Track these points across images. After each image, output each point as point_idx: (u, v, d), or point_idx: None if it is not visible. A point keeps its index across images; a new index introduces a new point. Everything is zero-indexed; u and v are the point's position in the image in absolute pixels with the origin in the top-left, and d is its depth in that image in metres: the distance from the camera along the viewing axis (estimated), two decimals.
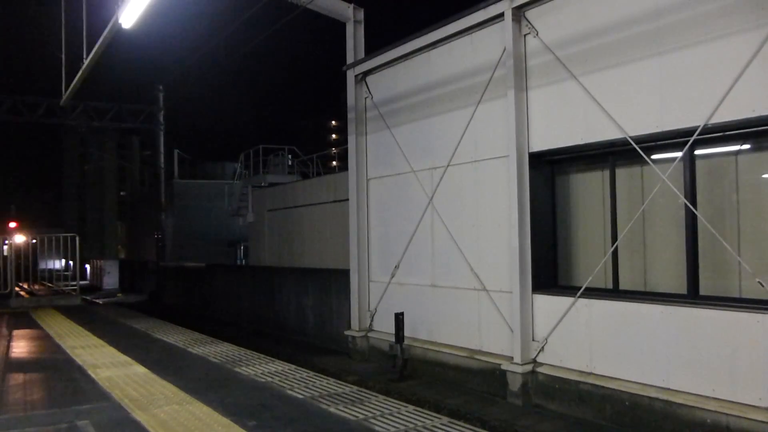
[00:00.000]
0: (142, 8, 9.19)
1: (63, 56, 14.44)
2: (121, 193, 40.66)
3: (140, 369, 7.21)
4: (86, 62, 12.33)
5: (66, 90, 14.78)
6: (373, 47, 12.12)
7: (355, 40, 12.40)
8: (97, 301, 25.66)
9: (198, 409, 5.33)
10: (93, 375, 6.94)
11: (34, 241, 21.55)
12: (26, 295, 18.67)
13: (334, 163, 50.17)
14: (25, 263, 19.35)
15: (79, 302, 15.41)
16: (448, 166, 10.03)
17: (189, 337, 10.04)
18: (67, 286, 20.35)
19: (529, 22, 8.58)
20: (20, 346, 9.32)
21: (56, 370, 7.37)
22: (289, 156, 25.32)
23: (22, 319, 12.93)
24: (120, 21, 9.77)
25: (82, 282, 26.34)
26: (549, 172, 8.86)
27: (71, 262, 16.08)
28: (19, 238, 24.27)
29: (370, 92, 12.02)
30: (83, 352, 8.55)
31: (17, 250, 18.43)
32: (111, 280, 38.12)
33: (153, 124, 29.83)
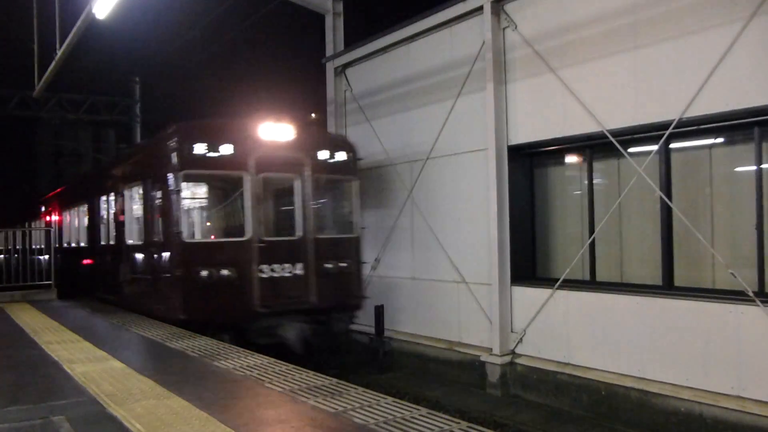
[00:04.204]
0: None
1: (35, 46, 14.10)
2: None
3: (117, 364, 7.12)
4: (59, 53, 12.06)
5: (39, 81, 14.46)
6: (352, 39, 12.07)
7: (334, 32, 12.33)
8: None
9: (175, 403, 5.28)
10: (69, 370, 6.83)
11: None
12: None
13: None
14: None
15: (55, 296, 15.11)
16: (427, 159, 10.04)
17: (167, 331, 9.93)
18: (42, 280, 19.96)
19: (508, 15, 8.61)
20: None
21: (31, 365, 7.25)
22: None
23: None
24: (94, 11, 9.58)
25: None
26: (528, 164, 8.91)
27: (46, 256, 15.64)
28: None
29: (349, 85, 11.97)
30: (59, 347, 8.41)
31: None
32: None
33: (129, 117, 29.38)
